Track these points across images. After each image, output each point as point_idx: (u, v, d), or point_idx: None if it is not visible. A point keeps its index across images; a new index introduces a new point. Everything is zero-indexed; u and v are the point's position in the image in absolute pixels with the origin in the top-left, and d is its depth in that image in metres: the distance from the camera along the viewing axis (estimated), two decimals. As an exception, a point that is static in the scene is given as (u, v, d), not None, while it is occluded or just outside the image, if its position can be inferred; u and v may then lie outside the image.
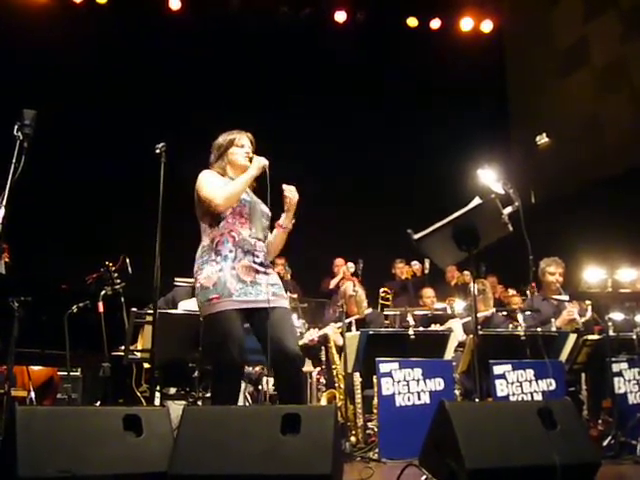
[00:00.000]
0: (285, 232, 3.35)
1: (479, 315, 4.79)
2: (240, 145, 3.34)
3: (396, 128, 9.52)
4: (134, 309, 4.18)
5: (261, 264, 3.19)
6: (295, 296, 6.43)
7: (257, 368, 5.18)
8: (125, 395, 4.56)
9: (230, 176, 3.32)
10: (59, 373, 4.96)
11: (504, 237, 3.45)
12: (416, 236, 3.38)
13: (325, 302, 7.21)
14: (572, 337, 4.66)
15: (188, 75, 8.88)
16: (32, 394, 4.57)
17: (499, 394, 4.29)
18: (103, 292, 4.11)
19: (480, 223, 3.37)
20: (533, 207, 8.45)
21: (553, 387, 4.33)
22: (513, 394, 4.32)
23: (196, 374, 4.25)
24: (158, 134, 3.70)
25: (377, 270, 8.19)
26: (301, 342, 4.68)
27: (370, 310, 5.67)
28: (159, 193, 3.50)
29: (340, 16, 9.96)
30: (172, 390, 4.69)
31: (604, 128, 8.75)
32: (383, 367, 4.21)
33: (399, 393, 4.19)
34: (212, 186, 3.20)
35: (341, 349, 4.78)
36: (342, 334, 4.84)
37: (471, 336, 4.29)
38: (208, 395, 4.55)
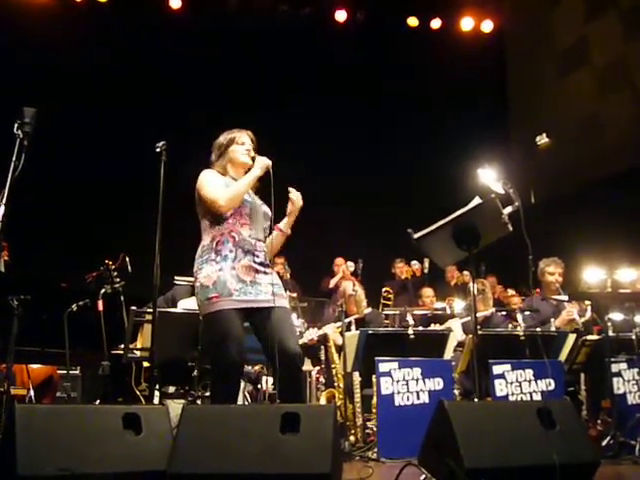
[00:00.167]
0: (283, 236, 3.36)
1: (478, 315, 4.79)
2: (240, 143, 3.34)
3: (395, 128, 9.52)
4: (134, 308, 4.18)
5: (261, 264, 3.19)
6: (295, 295, 6.43)
7: (256, 367, 5.19)
8: (124, 394, 4.56)
9: (231, 175, 3.32)
10: (58, 371, 4.96)
11: (504, 237, 3.46)
12: (416, 235, 3.39)
13: (325, 301, 7.21)
14: (571, 337, 4.66)
15: (187, 75, 8.88)
16: (31, 392, 4.57)
17: (498, 394, 4.29)
18: (103, 290, 4.11)
19: (480, 223, 3.37)
20: (533, 207, 8.45)
21: (552, 387, 4.34)
22: (512, 394, 4.32)
23: (195, 373, 4.25)
24: (157, 133, 3.70)
25: (377, 270, 8.20)
26: (300, 341, 4.68)
27: (370, 309, 5.67)
28: (159, 192, 3.50)
29: (340, 15, 9.95)
30: (171, 389, 4.70)
31: (604, 128, 8.75)
32: (382, 366, 4.22)
33: (398, 392, 4.20)
34: (213, 186, 3.20)
35: (340, 348, 4.78)
36: (341, 333, 4.85)
37: (470, 336, 4.29)
38: (207, 394, 4.55)
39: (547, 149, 9.12)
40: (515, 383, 4.34)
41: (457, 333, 4.99)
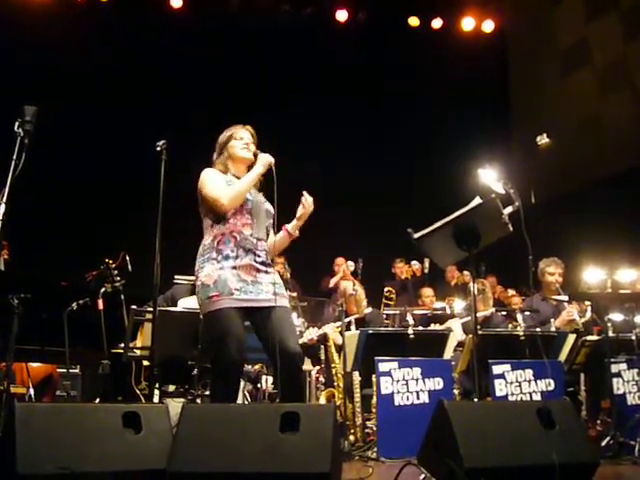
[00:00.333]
0: (290, 238, 3.35)
1: (478, 315, 4.79)
2: (239, 138, 3.32)
3: (396, 128, 9.51)
4: (134, 307, 4.18)
5: (262, 263, 3.18)
6: (295, 295, 6.43)
7: (256, 366, 5.19)
8: (124, 392, 4.56)
9: (232, 172, 3.30)
10: (58, 370, 4.97)
11: (504, 237, 3.46)
12: (416, 235, 3.39)
13: (325, 301, 7.21)
14: (571, 337, 4.66)
15: (188, 74, 8.88)
16: (31, 391, 4.58)
17: (498, 394, 4.29)
18: (103, 289, 4.11)
19: (480, 223, 3.37)
20: (533, 207, 8.44)
21: (552, 387, 4.34)
22: (512, 394, 4.32)
23: (195, 372, 4.25)
24: (158, 133, 3.70)
25: (377, 269, 8.20)
26: (300, 341, 4.68)
27: (370, 309, 5.67)
28: (159, 191, 3.50)
29: (341, 15, 9.95)
30: (171, 388, 4.70)
31: (605, 128, 8.75)
32: (382, 366, 4.22)
33: (398, 392, 4.20)
34: (215, 185, 3.19)
35: (340, 348, 4.79)
36: (341, 333, 4.85)
37: (470, 336, 4.30)
38: (207, 393, 4.55)
39: (547, 149, 9.14)
40: (515, 383, 4.34)
41: (457, 333, 4.99)
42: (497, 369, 4.33)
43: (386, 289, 7.97)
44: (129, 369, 4.61)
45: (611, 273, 4.80)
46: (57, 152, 7.55)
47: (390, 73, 9.63)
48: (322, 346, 5.28)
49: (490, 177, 3.45)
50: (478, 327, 3.70)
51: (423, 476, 2.77)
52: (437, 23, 10.21)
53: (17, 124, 3.11)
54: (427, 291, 7.04)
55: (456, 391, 4.68)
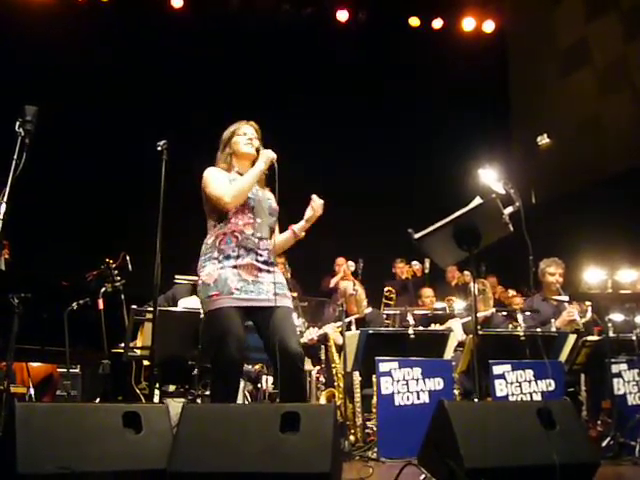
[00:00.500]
0: (296, 239, 3.34)
1: (479, 315, 4.79)
2: (242, 134, 3.32)
3: (397, 128, 9.51)
4: (134, 306, 4.18)
5: (265, 262, 3.17)
6: (295, 295, 6.42)
7: (256, 366, 5.19)
8: (124, 392, 4.56)
9: (236, 169, 3.29)
10: (58, 370, 4.97)
11: (504, 237, 3.45)
12: (417, 235, 3.38)
13: (325, 301, 7.21)
14: (572, 338, 4.66)
15: (189, 74, 8.88)
16: (31, 391, 4.57)
17: (498, 394, 4.29)
18: (103, 289, 4.11)
19: (481, 223, 3.37)
20: (534, 207, 8.44)
21: (552, 387, 4.33)
22: (512, 394, 4.32)
23: (195, 372, 4.25)
24: (159, 133, 3.70)
25: (377, 270, 8.19)
26: (301, 341, 4.69)
27: (370, 309, 5.67)
28: (160, 191, 3.50)
29: (342, 15, 9.95)
30: (171, 388, 4.70)
31: (605, 128, 8.75)
32: (382, 366, 4.21)
33: (398, 392, 4.19)
34: (218, 183, 3.19)
35: (341, 348, 4.78)
36: (342, 333, 4.85)
37: (471, 336, 4.29)
38: (207, 393, 4.56)
39: (548, 149, 9.13)
40: (515, 383, 4.34)
41: (457, 333, 4.99)
42: (497, 369, 4.33)
43: (386, 289, 7.97)
44: (129, 369, 4.61)
45: (611, 273, 4.80)
46: (57, 152, 7.55)
47: (390, 73, 9.63)
48: (322, 346, 5.28)
49: (490, 177, 3.45)
50: (478, 327, 3.70)
51: (423, 476, 2.77)
52: (437, 23, 10.22)
53: (18, 124, 3.11)
54: (427, 291, 7.04)
55: (456, 391, 4.68)
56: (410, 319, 4.64)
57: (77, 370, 5.27)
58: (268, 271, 3.17)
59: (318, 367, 5.40)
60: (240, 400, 4.27)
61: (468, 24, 10.29)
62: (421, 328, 5.01)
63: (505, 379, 4.33)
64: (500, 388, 4.31)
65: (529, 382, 4.35)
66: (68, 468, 2.33)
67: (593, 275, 4.91)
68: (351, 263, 7.76)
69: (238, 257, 3.12)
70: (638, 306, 4.65)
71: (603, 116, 8.80)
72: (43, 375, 4.86)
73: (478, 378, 3.36)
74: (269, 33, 9.31)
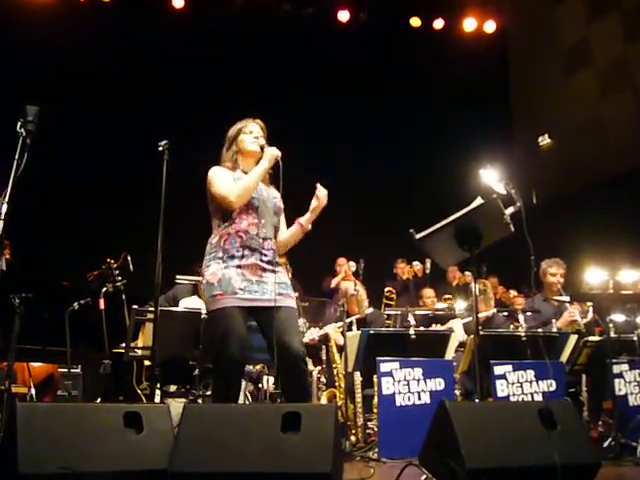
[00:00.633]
0: (303, 231, 3.33)
1: (480, 315, 4.79)
2: (248, 132, 3.31)
3: (397, 128, 9.51)
4: (135, 306, 4.18)
5: (269, 262, 3.17)
6: (296, 295, 6.41)
7: (257, 366, 5.19)
8: (125, 392, 4.56)
9: (242, 167, 3.29)
10: (59, 370, 4.96)
11: (505, 237, 3.45)
12: (418, 236, 3.38)
13: (326, 301, 7.21)
14: (573, 338, 4.65)
15: (190, 74, 8.88)
16: (32, 391, 4.58)
17: (499, 394, 4.29)
18: (104, 289, 4.13)
19: (482, 223, 3.37)
20: (535, 207, 8.44)
21: (553, 388, 4.33)
22: (513, 394, 4.32)
23: (197, 372, 4.25)
24: (159, 133, 3.71)
25: (378, 270, 8.19)
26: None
27: (371, 310, 5.67)
28: (161, 191, 3.50)
29: (343, 16, 9.95)
30: (172, 388, 4.70)
31: (606, 129, 8.75)
32: (383, 366, 4.21)
33: (399, 393, 4.19)
34: (223, 182, 3.18)
35: (342, 348, 4.78)
36: (343, 333, 4.84)
37: (472, 336, 4.29)
38: (208, 393, 4.56)
39: (549, 149, 9.13)
40: (516, 384, 4.33)
41: (458, 333, 4.98)
42: (498, 370, 4.33)
43: (386, 289, 7.97)
44: (130, 369, 4.61)
45: (613, 274, 4.79)
46: (58, 152, 7.54)
47: (391, 73, 9.62)
48: (323, 346, 5.28)
49: (491, 177, 3.45)
50: (479, 328, 3.70)
51: (424, 477, 2.77)
52: (439, 24, 10.21)
53: (19, 124, 3.10)
54: (428, 292, 7.04)
55: (457, 392, 4.68)
56: (411, 319, 4.64)
57: (78, 370, 5.27)
58: (272, 271, 3.17)
59: (319, 367, 5.40)
60: (241, 400, 4.27)
61: (469, 24, 10.29)
62: (422, 328, 5.01)
63: (506, 379, 4.33)
64: (501, 388, 4.30)
65: (530, 382, 4.35)
66: (69, 468, 2.34)
67: (594, 275, 4.90)
68: (352, 263, 7.77)
69: (242, 257, 3.12)
70: (639, 306, 4.64)
71: (604, 117, 8.80)
72: (44, 375, 4.86)
73: (479, 378, 3.36)
74: (270, 33, 9.31)
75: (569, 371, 4.57)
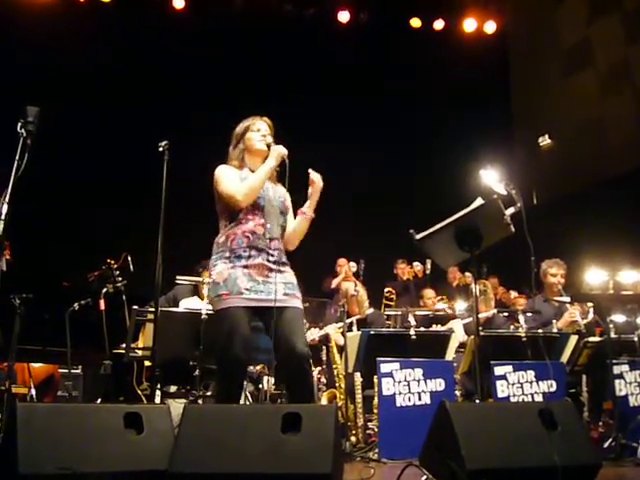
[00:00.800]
0: (307, 219, 3.31)
1: (480, 316, 4.79)
2: (256, 130, 3.30)
3: (397, 128, 9.51)
4: (135, 307, 4.18)
5: (276, 262, 3.17)
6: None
7: (258, 367, 5.19)
8: (126, 393, 4.56)
9: (249, 165, 3.28)
10: (60, 370, 4.96)
11: (506, 238, 3.45)
12: (418, 236, 3.38)
13: (326, 302, 7.21)
14: (573, 339, 4.65)
15: (190, 75, 8.88)
16: (33, 391, 4.57)
17: (500, 395, 4.28)
18: (105, 290, 4.12)
19: (482, 224, 3.37)
20: (535, 208, 8.45)
21: (554, 388, 4.33)
22: (514, 395, 4.31)
23: (197, 372, 4.25)
24: (160, 133, 3.71)
25: (379, 270, 8.19)
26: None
27: (371, 310, 5.67)
28: (161, 191, 3.50)
29: (343, 16, 9.95)
30: (173, 388, 4.70)
31: (607, 129, 8.75)
32: (384, 367, 4.21)
33: (400, 393, 4.19)
34: (230, 181, 3.18)
35: (342, 349, 4.78)
36: (343, 334, 4.84)
37: (472, 337, 4.29)
38: (209, 393, 4.56)
39: (549, 150, 9.13)
40: (517, 384, 4.33)
41: (459, 334, 4.98)
42: (499, 370, 4.33)
43: (386, 290, 7.97)
44: (131, 369, 4.62)
45: (613, 274, 4.78)
46: (58, 152, 7.55)
47: (391, 73, 9.62)
48: (324, 347, 5.28)
49: (492, 178, 3.45)
50: (480, 328, 3.70)
51: (425, 477, 2.76)
52: (439, 24, 10.21)
53: (20, 125, 3.10)
54: (429, 292, 7.04)
55: (458, 392, 4.68)
56: (411, 320, 4.64)
57: (78, 371, 5.27)
58: (279, 271, 3.17)
59: (319, 368, 5.40)
60: (241, 401, 4.27)
61: (469, 25, 10.29)
62: (422, 329, 5.01)
63: (506, 380, 4.33)
64: (501, 389, 4.30)
65: (530, 383, 4.35)
66: (69, 469, 2.34)
67: (595, 276, 4.89)
68: (352, 264, 7.77)
69: (249, 257, 3.12)
70: (639, 307, 4.64)
71: (605, 117, 8.80)
72: (44, 376, 4.86)
73: (479, 379, 3.36)
74: (270, 33, 9.31)
75: (569, 372, 4.57)
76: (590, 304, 4.99)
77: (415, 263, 8.18)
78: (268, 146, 3.26)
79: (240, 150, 3.30)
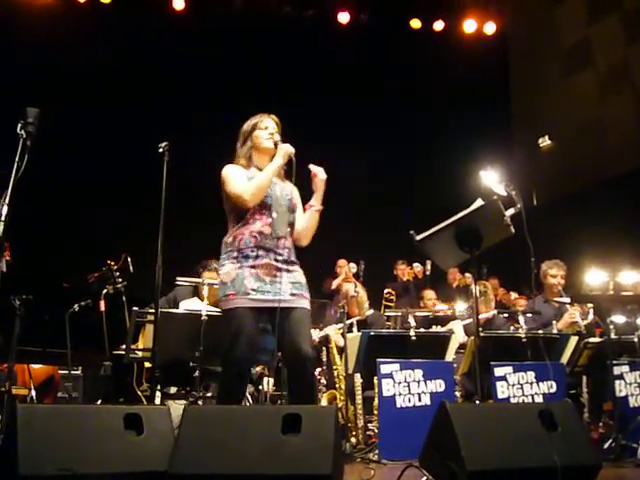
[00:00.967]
0: (316, 212, 3.30)
1: (480, 317, 4.79)
2: (264, 128, 3.30)
3: (397, 128, 9.51)
4: (135, 308, 4.18)
5: (284, 261, 3.17)
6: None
7: (258, 368, 5.18)
8: (126, 394, 4.56)
9: (256, 163, 3.29)
10: (60, 371, 4.96)
11: (506, 239, 3.45)
12: (418, 237, 3.38)
13: (326, 303, 7.20)
14: (573, 339, 4.65)
15: (190, 75, 8.88)
16: (33, 392, 4.57)
17: (500, 396, 4.28)
18: (105, 291, 4.12)
19: (482, 225, 3.37)
20: (535, 209, 8.44)
21: (554, 389, 4.32)
22: (514, 396, 4.31)
23: (197, 373, 4.24)
24: (159, 133, 3.71)
25: (379, 271, 8.19)
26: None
27: (371, 311, 5.67)
28: (161, 192, 3.50)
29: (343, 17, 9.95)
30: (173, 389, 4.69)
31: (607, 130, 8.75)
32: (384, 368, 4.21)
33: (400, 394, 4.19)
34: (237, 181, 3.18)
35: (342, 350, 4.78)
36: (343, 335, 4.84)
37: (472, 338, 4.29)
38: (209, 394, 4.56)
39: (549, 151, 9.12)
40: (517, 385, 4.33)
41: (459, 335, 4.98)
42: (499, 371, 4.32)
43: (386, 291, 7.97)
44: (131, 371, 4.61)
45: (613, 275, 4.78)
46: (59, 153, 7.55)
47: (391, 74, 9.62)
48: (324, 348, 5.28)
49: (492, 179, 3.45)
50: (480, 329, 3.70)
51: (425, 478, 2.76)
52: (439, 25, 10.21)
53: (19, 126, 3.10)
54: (429, 293, 7.03)
55: (458, 393, 4.68)
56: (411, 321, 4.64)
57: (78, 372, 5.27)
58: (288, 270, 3.17)
59: (319, 369, 5.40)
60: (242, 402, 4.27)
61: (469, 26, 10.29)
62: (422, 330, 5.01)
63: (506, 381, 4.33)
64: (501, 390, 4.30)
65: (530, 384, 4.35)
66: (69, 470, 2.34)
67: (595, 277, 4.89)
68: (352, 265, 7.77)
69: (257, 257, 3.12)
70: (640, 308, 4.64)
71: (605, 118, 8.80)
72: (44, 377, 4.86)
73: (479, 380, 3.36)
74: (270, 33, 9.30)
75: (569, 372, 4.57)
76: (590, 305, 4.99)
77: (415, 264, 8.18)
78: (275, 144, 3.26)
79: (248, 148, 3.30)
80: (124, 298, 4.22)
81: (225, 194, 3.22)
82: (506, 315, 5.78)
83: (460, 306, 6.10)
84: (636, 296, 4.75)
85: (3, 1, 8.48)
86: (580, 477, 2.63)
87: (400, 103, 9.46)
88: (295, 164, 3.21)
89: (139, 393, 4.59)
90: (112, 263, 4.21)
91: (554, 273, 5.29)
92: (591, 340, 4.69)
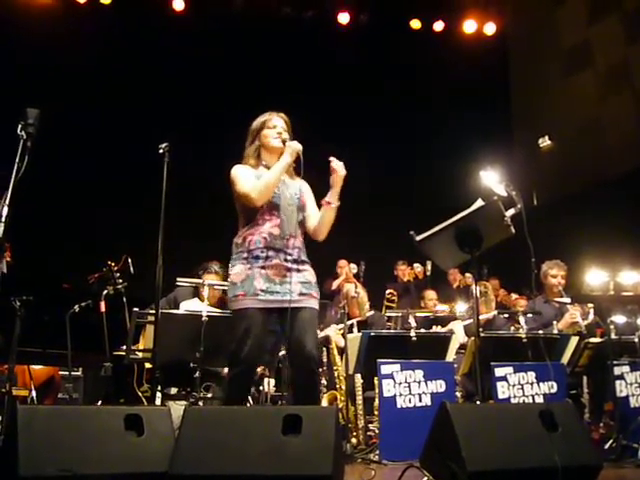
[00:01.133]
0: (332, 209, 3.28)
1: (481, 317, 4.79)
2: (272, 126, 3.30)
3: (397, 129, 9.50)
4: (136, 309, 4.18)
5: (294, 261, 3.16)
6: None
7: (258, 369, 5.18)
8: (126, 395, 4.56)
9: (265, 162, 3.28)
10: (60, 372, 4.96)
11: (506, 239, 3.45)
12: (418, 237, 3.38)
13: (327, 303, 7.19)
14: (574, 340, 4.65)
15: (189, 74, 8.88)
16: (33, 393, 4.57)
17: (500, 396, 4.28)
18: (105, 292, 4.12)
19: (482, 225, 3.37)
20: (535, 209, 8.44)
21: (554, 390, 4.32)
22: (514, 396, 4.31)
23: (197, 374, 4.24)
24: (159, 133, 3.70)
25: (379, 272, 8.18)
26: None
27: (372, 312, 5.66)
28: (162, 193, 3.50)
29: (343, 18, 9.95)
30: (173, 390, 4.69)
31: (607, 130, 8.75)
32: (384, 369, 4.21)
33: (400, 395, 4.19)
34: (245, 180, 3.18)
35: (342, 350, 4.78)
36: (344, 335, 4.84)
37: (473, 338, 4.29)
38: (209, 395, 4.56)
39: (549, 151, 9.12)
40: (517, 385, 4.33)
41: (459, 335, 4.99)
42: (499, 371, 4.32)
43: (388, 291, 7.96)
44: (131, 371, 4.61)
45: (614, 275, 4.78)
46: (59, 153, 7.55)
47: (391, 74, 9.62)
48: (324, 348, 5.28)
49: (492, 179, 3.45)
50: (480, 329, 3.70)
51: (425, 479, 2.76)
52: (439, 26, 10.21)
53: (20, 127, 3.10)
54: (430, 294, 7.02)
55: (458, 393, 4.68)
56: (412, 321, 4.64)
57: (79, 373, 5.26)
58: (298, 270, 3.16)
59: (320, 369, 5.40)
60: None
61: (469, 27, 10.29)
62: (423, 330, 5.01)
63: (507, 381, 4.33)
64: (502, 390, 4.30)
65: (531, 384, 4.35)
66: (70, 471, 2.34)
67: (595, 277, 4.89)
68: (353, 265, 7.77)
69: (267, 258, 3.12)
70: (640, 308, 4.64)
71: (605, 118, 8.80)
72: (45, 378, 4.85)
73: (480, 380, 3.36)
74: (270, 34, 9.30)
75: (570, 373, 4.57)
76: (591, 305, 4.99)
77: (415, 264, 8.17)
78: (283, 142, 3.25)
79: (256, 147, 3.31)
80: (124, 299, 4.22)
81: (235, 194, 3.22)
82: (506, 315, 5.78)
83: (460, 306, 6.09)
84: (636, 296, 4.75)
85: (3, 1, 8.48)
86: (581, 477, 2.63)
87: (400, 103, 9.45)
88: (303, 161, 3.20)
89: (139, 394, 4.59)
90: (112, 264, 4.21)
91: (554, 273, 5.29)
92: (592, 340, 4.69)
